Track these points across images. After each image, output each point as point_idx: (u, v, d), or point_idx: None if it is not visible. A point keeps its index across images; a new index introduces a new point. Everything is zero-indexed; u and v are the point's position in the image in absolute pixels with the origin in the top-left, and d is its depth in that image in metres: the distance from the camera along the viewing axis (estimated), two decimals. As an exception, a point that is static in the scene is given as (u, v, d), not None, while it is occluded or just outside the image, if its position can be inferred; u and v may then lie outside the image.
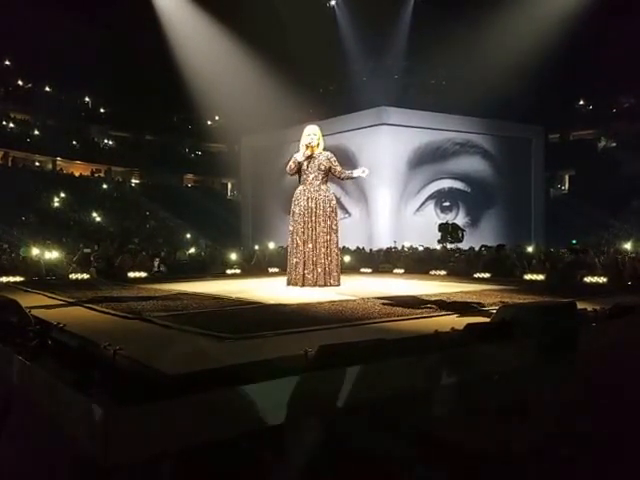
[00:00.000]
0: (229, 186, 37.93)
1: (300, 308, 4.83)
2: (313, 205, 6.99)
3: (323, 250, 6.92)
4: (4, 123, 30.42)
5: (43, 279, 8.43)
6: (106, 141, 34.38)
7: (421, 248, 15.61)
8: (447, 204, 22.92)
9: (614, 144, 29.91)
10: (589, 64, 24.69)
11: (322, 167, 7.06)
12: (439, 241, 15.35)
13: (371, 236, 21.30)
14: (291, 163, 7.18)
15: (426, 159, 22.58)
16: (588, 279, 8.09)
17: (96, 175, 32.85)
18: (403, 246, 17.42)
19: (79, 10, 24.63)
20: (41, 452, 2.40)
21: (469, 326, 3.39)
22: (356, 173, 7.24)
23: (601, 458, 2.55)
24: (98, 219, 26.75)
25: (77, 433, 2.22)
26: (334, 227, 7.07)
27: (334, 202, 7.21)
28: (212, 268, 10.89)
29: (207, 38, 24.45)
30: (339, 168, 7.17)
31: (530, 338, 3.52)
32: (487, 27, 21.47)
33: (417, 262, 12.35)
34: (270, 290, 6.74)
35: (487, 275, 9.32)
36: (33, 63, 28.48)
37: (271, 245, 15.09)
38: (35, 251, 9.60)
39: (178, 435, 2.13)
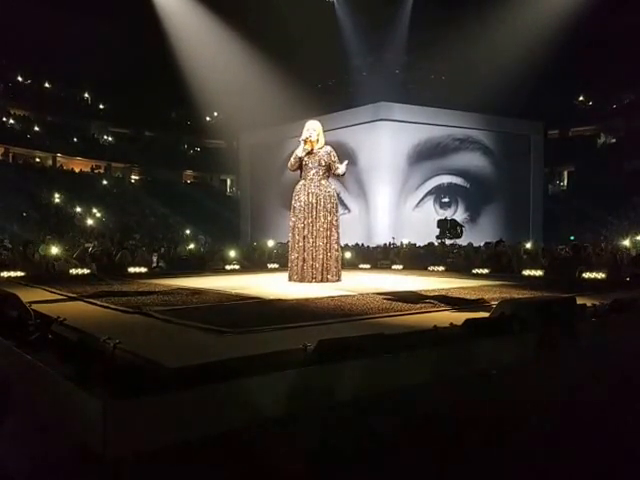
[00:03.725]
0: (228, 182, 37.88)
1: (299, 303, 4.85)
2: (314, 200, 6.98)
3: (323, 246, 6.92)
4: (4, 119, 30.38)
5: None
6: (106, 137, 34.36)
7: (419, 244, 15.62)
8: (446, 200, 22.87)
9: (613, 140, 29.88)
10: (589, 60, 24.65)
11: (322, 162, 7.06)
12: (438, 237, 15.33)
13: (370, 232, 21.29)
14: (292, 159, 7.18)
15: (425, 155, 22.54)
16: (587, 275, 8.10)
17: (96, 171, 32.83)
18: (402, 242, 17.44)
19: (79, 7, 24.56)
20: (41, 445, 2.41)
21: (468, 321, 3.40)
22: (341, 169, 7.17)
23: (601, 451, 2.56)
24: (98, 215, 26.73)
25: (77, 426, 2.23)
26: (334, 223, 7.06)
27: (335, 198, 7.19)
28: (211, 264, 10.90)
29: (206, 34, 24.38)
30: (340, 170, 7.15)
31: (530, 333, 3.53)
32: (487, 23, 21.44)
33: (416, 258, 12.35)
34: (270, 285, 6.75)
35: (486, 271, 9.34)
36: (33, 59, 28.43)
37: (270, 242, 15.04)
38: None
39: (178, 428, 2.14)
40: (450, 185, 22.94)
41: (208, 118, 34.38)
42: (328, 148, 7.18)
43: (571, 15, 20.96)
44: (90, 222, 24.79)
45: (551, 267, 9.39)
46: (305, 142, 7.04)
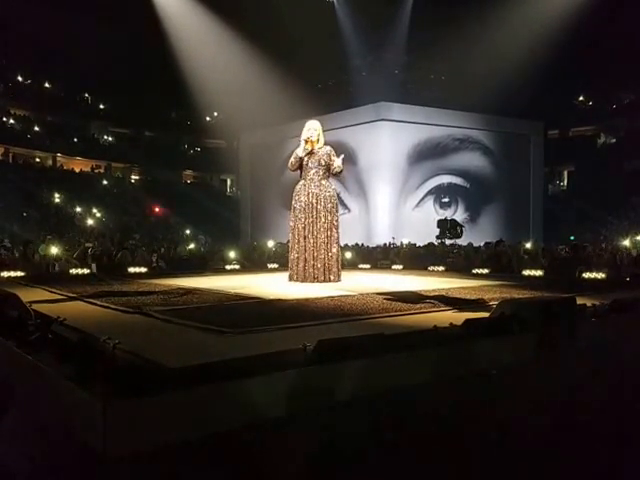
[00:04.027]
0: (228, 182, 37.87)
1: (299, 303, 4.85)
2: (314, 200, 6.98)
3: (323, 246, 6.92)
4: (4, 119, 30.39)
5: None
6: (106, 137, 34.37)
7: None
8: (446, 200, 22.87)
9: (613, 140, 29.87)
10: (589, 60, 24.64)
11: (322, 162, 7.05)
12: (438, 237, 15.32)
13: (370, 232, 21.29)
14: (292, 159, 7.17)
15: (425, 155, 22.54)
16: (587, 275, 8.10)
17: (96, 171, 32.83)
18: (402, 242, 17.44)
19: (79, 7, 24.56)
20: (41, 445, 2.41)
21: (468, 321, 3.40)
22: (337, 163, 7.11)
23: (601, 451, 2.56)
24: (98, 215, 26.75)
25: (77, 426, 2.23)
26: (335, 223, 7.06)
27: (335, 198, 7.19)
28: (211, 264, 10.90)
29: (206, 34, 24.37)
30: (336, 164, 7.14)
31: (530, 333, 3.53)
32: (487, 23, 21.42)
33: (416, 258, 12.35)
34: (270, 285, 6.75)
35: (486, 271, 9.34)
36: (33, 60, 28.43)
37: (270, 243, 15.00)
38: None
39: (178, 428, 2.14)
40: (450, 185, 22.94)
41: (208, 118, 34.34)
42: (328, 148, 7.17)
43: (571, 15, 20.95)
44: (90, 222, 24.78)
45: (551, 267, 9.39)
46: (306, 142, 7.04)
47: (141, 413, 2.08)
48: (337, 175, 7.32)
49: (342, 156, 7.20)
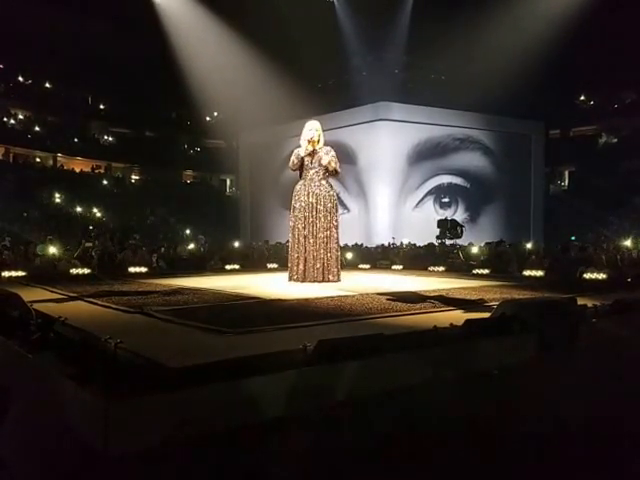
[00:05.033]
0: (228, 182, 37.86)
1: (299, 303, 4.85)
2: (314, 200, 6.99)
3: (323, 246, 6.92)
4: (5, 120, 30.38)
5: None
6: (106, 137, 34.35)
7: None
8: (446, 200, 22.86)
9: (615, 140, 29.83)
10: (590, 59, 24.61)
11: (322, 162, 7.06)
12: (438, 237, 15.32)
13: (370, 232, 21.29)
14: (293, 158, 7.17)
15: (426, 155, 22.53)
16: (588, 275, 8.09)
17: (96, 171, 32.83)
18: (402, 242, 17.45)
19: (79, 7, 24.57)
20: (42, 445, 2.41)
21: (468, 321, 3.40)
22: (324, 160, 7.04)
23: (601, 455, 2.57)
24: (98, 215, 26.76)
25: (78, 426, 2.24)
26: (334, 223, 7.07)
27: (335, 198, 7.20)
28: (211, 264, 10.91)
29: (205, 33, 24.36)
30: (333, 164, 7.12)
31: (530, 334, 3.53)
32: (488, 22, 21.39)
33: (416, 258, 12.35)
34: (270, 285, 6.76)
35: (486, 271, 9.33)
36: (33, 60, 28.42)
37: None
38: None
39: (179, 427, 2.14)
40: (450, 185, 22.93)
41: (208, 118, 34.31)
42: (327, 148, 7.18)
43: (572, 14, 20.93)
44: (90, 222, 24.77)
45: (551, 268, 9.39)
46: (308, 142, 7.04)
47: (142, 413, 2.08)
48: (335, 175, 7.32)
49: (330, 148, 7.17)
